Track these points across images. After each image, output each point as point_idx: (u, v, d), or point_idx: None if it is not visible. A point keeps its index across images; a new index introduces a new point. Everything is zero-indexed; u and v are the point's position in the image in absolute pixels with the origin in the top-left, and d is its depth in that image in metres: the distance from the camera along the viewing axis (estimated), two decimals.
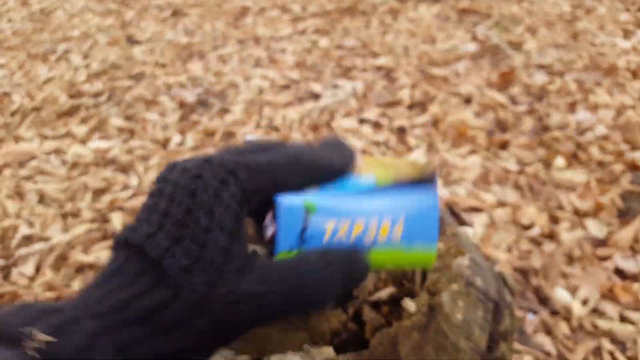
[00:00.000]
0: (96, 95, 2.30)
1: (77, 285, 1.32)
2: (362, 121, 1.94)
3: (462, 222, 0.75)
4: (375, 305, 0.60)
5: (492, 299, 0.59)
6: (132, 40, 2.83)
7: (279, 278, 0.35)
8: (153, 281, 0.32)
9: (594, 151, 1.60)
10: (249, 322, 0.34)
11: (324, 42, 2.65)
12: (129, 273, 0.32)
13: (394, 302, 0.61)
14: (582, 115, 1.77)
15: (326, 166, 0.39)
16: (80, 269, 1.36)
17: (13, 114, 2.23)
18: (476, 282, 0.59)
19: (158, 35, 2.89)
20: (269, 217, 0.44)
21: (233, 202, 0.34)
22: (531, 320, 1.13)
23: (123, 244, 0.34)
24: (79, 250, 1.41)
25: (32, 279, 1.35)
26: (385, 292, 0.59)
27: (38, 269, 1.37)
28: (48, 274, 1.34)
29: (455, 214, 0.76)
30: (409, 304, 0.56)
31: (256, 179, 0.35)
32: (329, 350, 0.53)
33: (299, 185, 0.38)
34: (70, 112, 2.19)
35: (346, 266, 0.38)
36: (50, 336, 0.27)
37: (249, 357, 0.52)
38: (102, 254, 1.38)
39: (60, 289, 1.30)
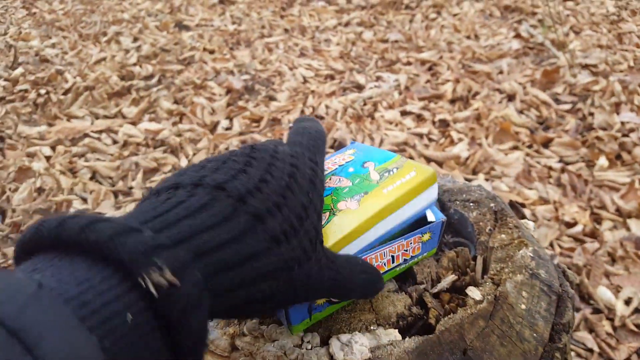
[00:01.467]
0: (146, 77, 2.37)
1: None
2: (404, 113, 1.98)
3: (522, 216, 0.79)
4: (436, 292, 0.64)
5: (556, 291, 0.62)
6: (181, 26, 2.90)
7: (340, 271, 0.41)
8: (249, 228, 0.33)
9: (638, 152, 1.61)
10: (309, 298, 0.40)
11: (368, 34, 2.68)
12: (223, 215, 0.32)
13: (455, 290, 0.65)
14: (627, 116, 1.78)
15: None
16: None
17: (66, 92, 2.31)
18: (540, 274, 0.63)
19: (206, 22, 2.95)
20: None
21: (322, 191, 0.41)
22: None
23: (211, 187, 0.33)
24: None
25: None
26: (447, 281, 0.63)
27: None
28: None
29: (514, 206, 0.79)
30: (475, 292, 0.60)
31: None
32: (394, 333, 0.58)
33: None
34: (121, 93, 2.26)
35: (372, 278, 0.46)
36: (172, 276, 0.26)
37: (318, 335, 0.57)
38: None
39: None
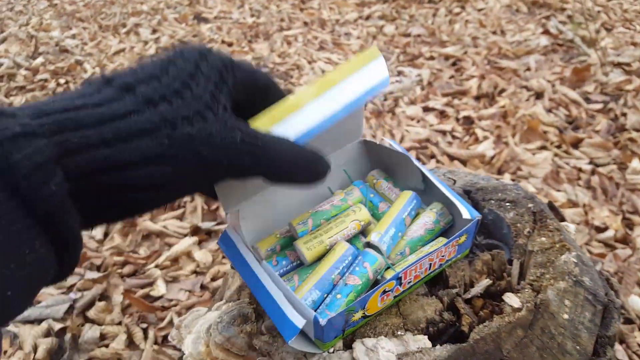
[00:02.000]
0: None
1: (142, 251, 1.35)
2: (427, 109, 1.91)
3: (561, 218, 0.73)
4: (469, 297, 0.58)
5: (601, 300, 0.56)
6: (199, 18, 2.86)
7: (263, 145, 0.37)
8: (115, 96, 0.32)
9: None
10: (224, 164, 0.35)
11: (389, 28, 2.62)
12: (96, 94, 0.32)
13: (489, 295, 0.59)
14: None
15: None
16: (147, 236, 1.39)
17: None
18: (584, 282, 0.57)
19: (225, 14, 2.91)
20: None
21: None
22: None
23: (105, 80, 0.34)
24: (147, 218, 1.43)
25: (100, 242, 1.38)
26: (481, 285, 0.58)
27: (107, 234, 1.40)
28: (116, 240, 1.37)
29: (553, 207, 0.73)
30: (513, 299, 0.54)
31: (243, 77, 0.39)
32: (424, 339, 0.52)
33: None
34: None
35: (309, 156, 0.42)
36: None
37: (341, 339, 0.52)
38: (168, 222, 1.41)
39: (126, 255, 1.33)
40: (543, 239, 0.64)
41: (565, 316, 0.55)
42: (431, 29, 2.56)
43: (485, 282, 0.58)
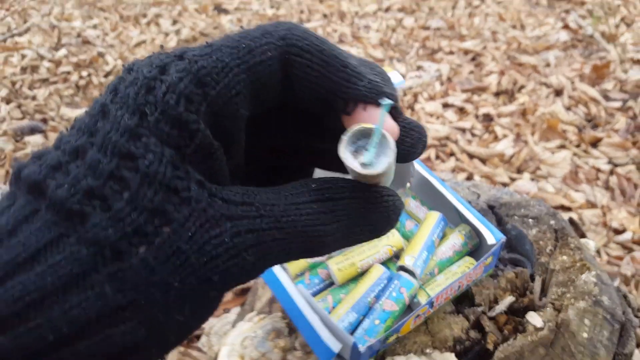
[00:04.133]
0: None
1: None
2: (446, 105, 1.93)
3: (581, 234, 0.75)
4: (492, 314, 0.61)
5: (619, 319, 0.59)
6: (220, 9, 2.88)
7: (266, 213, 0.25)
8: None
9: None
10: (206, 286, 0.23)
11: (409, 21, 2.63)
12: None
13: (512, 311, 0.62)
14: None
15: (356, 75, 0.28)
16: None
17: (107, 74, 2.32)
18: (603, 301, 0.60)
19: (245, 5, 2.93)
20: None
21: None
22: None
23: (15, 174, 0.24)
24: None
25: None
26: (505, 303, 0.61)
27: None
28: None
29: (574, 224, 0.76)
30: (535, 319, 0.57)
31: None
32: (451, 357, 0.56)
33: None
34: None
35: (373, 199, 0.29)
36: None
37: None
38: None
39: None
40: (564, 257, 0.66)
41: (585, 335, 0.58)
42: (450, 22, 2.56)
43: (509, 299, 0.61)
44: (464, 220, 0.62)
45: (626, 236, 1.31)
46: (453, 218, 0.64)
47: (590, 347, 0.56)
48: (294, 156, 0.34)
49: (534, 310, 0.59)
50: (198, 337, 1.12)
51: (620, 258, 1.26)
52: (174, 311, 0.23)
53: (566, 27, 2.40)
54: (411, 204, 0.66)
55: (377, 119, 0.26)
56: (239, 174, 0.30)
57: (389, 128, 0.27)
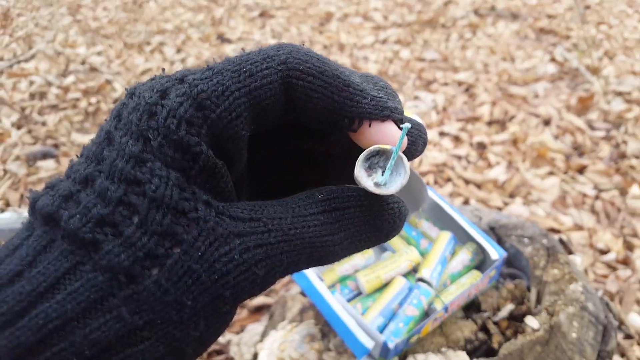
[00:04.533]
0: None
1: None
2: (442, 134, 2.05)
3: (569, 251, 0.87)
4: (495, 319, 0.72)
5: (602, 322, 0.70)
6: (223, 38, 3.01)
7: (277, 224, 0.26)
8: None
9: None
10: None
11: (405, 53, 2.76)
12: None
13: (512, 317, 0.73)
14: None
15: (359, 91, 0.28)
16: None
17: (115, 101, 2.42)
18: (589, 307, 0.71)
19: (247, 35, 3.06)
20: None
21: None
22: None
23: (32, 207, 0.25)
24: None
25: None
26: (506, 310, 0.71)
27: None
28: None
29: (563, 242, 0.87)
30: (533, 321, 0.68)
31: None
32: (463, 355, 0.66)
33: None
34: None
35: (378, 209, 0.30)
36: None
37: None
38: None
39: None
40: (555, 270, 0.77)
41: (574, 335, 0.68)
42: (444, 54, 2.70)
43: (509, 306, 0.72)
44: (470, 238, 0.73)
45: (611, 256, 1.43)
46: (460, 236, 0.75)
47: (578, 345, 0.67)
48: (300, 168, 0.34)
49: (532, 315, 0.70)
50: (218, 353, 1.21)
51: (606, 276, 1.37)
52: (189, 328, 0.24)
53: (553, 60, 2.55)
54: (424, 225, 0.77)
55: (384, 134, 0.28)
56: (244, 189, 0.31)
57: (402, 145, 0.28)
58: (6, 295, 0.22)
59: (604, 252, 1.46)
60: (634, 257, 1.43)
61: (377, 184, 0.27)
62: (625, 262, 1.43)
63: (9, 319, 0.21)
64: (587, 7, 3.14)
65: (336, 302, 0.63)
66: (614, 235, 1.51)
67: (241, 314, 1.31)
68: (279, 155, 0.34)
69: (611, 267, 1.41)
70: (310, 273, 0.67)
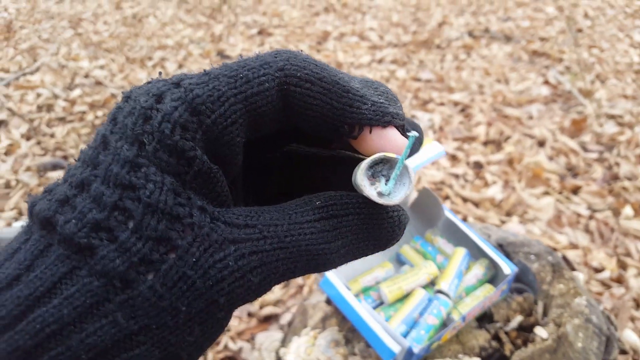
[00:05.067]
0: None
1: None
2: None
3: (572, 268, 0.92)
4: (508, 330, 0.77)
5: (605, 333, 0.75)
6: (223, 55, 3.06)
7: (272, 229, 0.26)
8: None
9: None
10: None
11: (401, 72, 2.83)
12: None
13: (521, 327, 0.78)
14: None
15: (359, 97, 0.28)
16: None
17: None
18: (592, 319, 0.75)
19: (246, 52, 3.11)
20: None
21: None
22: None
23: (30, 209, 0.26)
24: None
25: None
26: (516, 321, 0.76)
27: None
28: None
29: (567, 261, 0.93)
30: (542, 332, 0.73)
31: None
32: None
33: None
34: None
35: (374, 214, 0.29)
36: None
37: None
38: None
39: None
40: (561, 285, 0.82)
41: (580, 345, 0.73)
42: (440, 74, 2.77)
43: (519, 318, 0.77)
44: (483, 254, 0.78)
45: (605, 275, 1.48)
46: (474, 253, 0.79)
47: (584, 354, 0.72)
48: (300, 173, 0.34)
49: (540, 325, 0.75)
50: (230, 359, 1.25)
51: (601, 294, 1.42)
52: (184, 333, 0.24)
53: (546, 82, 2.62)
54: (440, 242, 0.81)
55: (386, 141, 0.28)
56: (238, 193, 0.31)
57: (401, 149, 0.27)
58: (5, 299, 0.22)
59: (598, 270, 1.51)
60: (628, 275, 1.48)
61: (380, 194, 0.26)
62: (619, 280, 1.48)
63: (8, 322, 0.22)
64: (579, 30, 3.24)
65: (363, 310, 0.68)
66: (607, 254, 1.57)
67: (250, 322, 1.35)
68: (279, 160, 0.34)
69: (605, 285, 1.46)
70: (338, 282, 0.72)
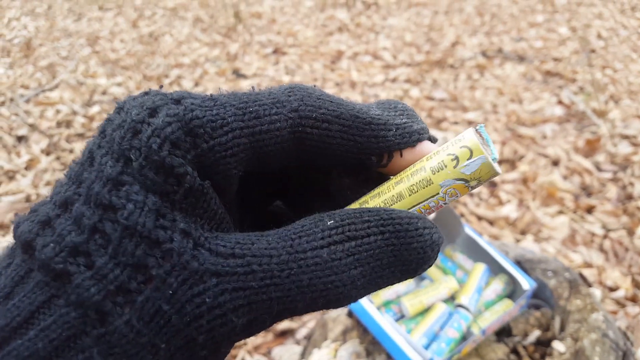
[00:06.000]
0: None
1: None
2: None
3: (589, 285, 0.93)
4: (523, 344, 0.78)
5: (621, 349, 0.76)
6: (238, 74, 3.11)
7: (261, 255, 0.23)
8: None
9: None
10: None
11: (414, 91, 2.86)
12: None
13: (538, 342, 0.79)
14: None
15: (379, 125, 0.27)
16: None
17: None
18: (609, 334, 0.77)
19: (262, 71, 3.16)
20: None
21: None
22: None
23: (14, 233, 0.24)
24: None
25: None
26: (534, 335, 0.78)
27: None
28: None
29: (583, 278, 0.94)
30: (560, 346, 0.74)
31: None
32: None
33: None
34: None
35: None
36: None
37: None
38: None
39: None
40: (578, 301, 0.84)
41: (597, 359, 0.74)
42: (453, 94, 2.80)
43: (537, 332, 0.78)
44: (502, 270, 0.80)
45: (619, 293, 1.49)
46: (493, 268, 0.81)
47: None
48: (312, 190, 0.31)
49: (557, 340, 0.76)
50: None
51: (615, 312, 1.43)
52: None
53: (560, 102, 2.64)
54: (459, 257, 0.83)
55: (418, 156, 0.27)
56: (233, 216, 0.27)
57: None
58: None
59: (612, 289, 1.52)
60: None
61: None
62: (634, 299, 1.49)
63: None
64: (593, 50, 3.26)
65: (386, 322, 0.70)
66: (622, 273, 1.57)
67: (267, 337, 1.37)
68: (288, 177, 0.31)
69: (620, 304, 1.47)
70: None
